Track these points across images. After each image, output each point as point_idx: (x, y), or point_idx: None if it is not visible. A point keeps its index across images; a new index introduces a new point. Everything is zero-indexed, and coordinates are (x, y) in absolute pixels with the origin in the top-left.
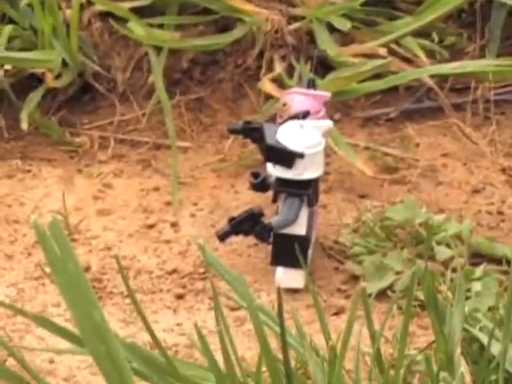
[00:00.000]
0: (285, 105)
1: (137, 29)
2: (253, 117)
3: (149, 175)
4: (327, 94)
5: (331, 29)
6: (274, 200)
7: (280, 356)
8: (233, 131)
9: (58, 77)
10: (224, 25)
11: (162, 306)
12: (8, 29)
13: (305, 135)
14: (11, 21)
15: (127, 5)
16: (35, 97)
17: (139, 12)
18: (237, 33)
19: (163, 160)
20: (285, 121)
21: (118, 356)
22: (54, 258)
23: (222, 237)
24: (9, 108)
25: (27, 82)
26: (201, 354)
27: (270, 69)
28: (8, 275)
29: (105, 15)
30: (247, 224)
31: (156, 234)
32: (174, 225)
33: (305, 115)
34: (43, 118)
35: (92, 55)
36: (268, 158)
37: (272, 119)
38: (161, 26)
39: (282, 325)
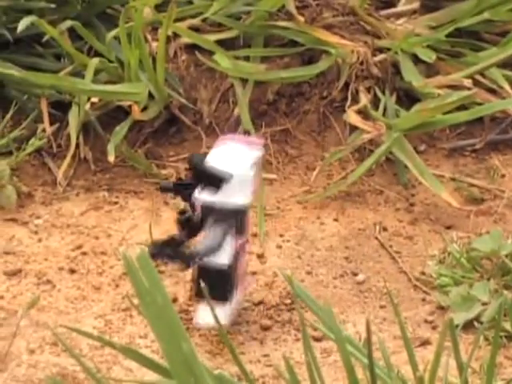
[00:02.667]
0: None
1: (223, 61)
2: (338, 148)
3: None
4: (258, 141)
5: (416, 60)
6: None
7: None
8: (164, 189)
9: (144, 109)
10: (309, 57)
11: (249, 338)
12: (95, 62)
13: (234, 159)
14: (98, 54)
15: (213, 37)
16: (122, 129)
17: (225, 44)
18: (322, 65)
19: None
20: None
21: None
22: (143, 290)
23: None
24: (95, 140)
25: (114, 114)
26: None
27: (356, 100)
28: (96, 307)
29: (191, 47)
30: (168, 249)
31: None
32: (260, 256)
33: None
34: (130, 151)
35: (178, 87)
36: (197, 180)
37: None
38: (246, 58)
39: (370, 356)
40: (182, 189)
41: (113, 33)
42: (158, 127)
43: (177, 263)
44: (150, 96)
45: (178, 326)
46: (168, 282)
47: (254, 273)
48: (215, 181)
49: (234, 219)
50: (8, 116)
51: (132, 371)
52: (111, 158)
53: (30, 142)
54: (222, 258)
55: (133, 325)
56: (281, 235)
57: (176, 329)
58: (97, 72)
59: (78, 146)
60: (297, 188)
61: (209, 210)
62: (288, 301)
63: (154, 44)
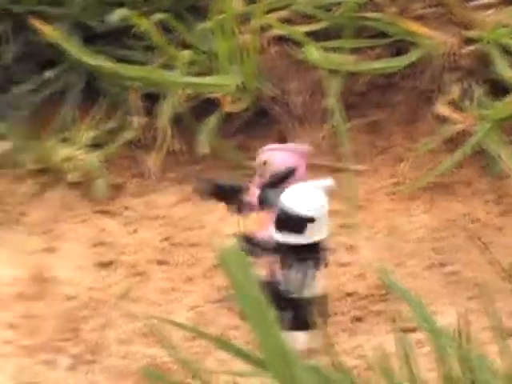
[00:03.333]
0: (265, 163)
1: (313, 53)
2: (428, 139)
3: None
4: (306, 148)
5: (506, 51)
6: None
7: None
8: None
9: (234, 101)
10: (399, 48)
11: (341, 329)
12: (186, 54)
13: (311, 198)
14: (188, 46)
15: (303, 29)
16: (212, 121)
17: (315, 36)
18: (412, 56)
19: (339, 183)
20: (270, 180)
21: (302, 379)
22: (236, 282)
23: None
24: (186, 132)
25: (204, 106)
26: (380, 377)
27: (446, 91)
28: (188, 298)
29: (281, 39)
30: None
31: (333, 257)
32: (350, 248)
33: (290, 172)
34: (220, 143)
35: (268, 79)
36: (278, 225)
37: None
38: (337, 50)
39: (462, 347)
40: (219, 193)
41: (203, 25)
42: (248, 119)
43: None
44: (241, 88)
45: (272, 317)
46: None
47: (344, 264)
48: (300, 225)
49: (315, 253)
50: (99, 108)
51: (225, 362)
52: (202, 150)
53: (122, 134)
54: (309, 292)
55: (225, 316)
56: (371, 227)
57: (270, 320)
58: (188, 64)
59: (168, 138)
60: (386, 179)
61: (288, 249)
62: (379, 292)
63: (245, 36)
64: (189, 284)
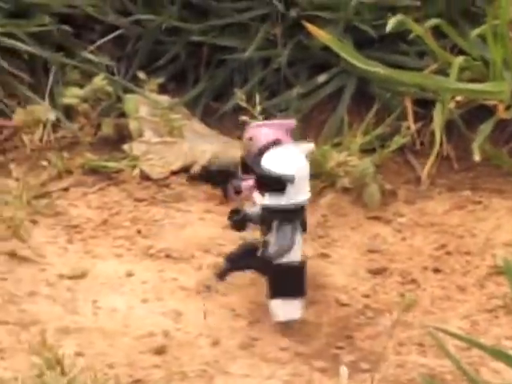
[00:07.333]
0: (251, 139)
1: None
2: None
3: None
4: (291, 122)
5: None
6: (264, 233)
7: None
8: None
9: (508, 108)
10: None
11: None
12: (459, 60)
13: (291, 159)
14: (461, 52)
15: None
16: (486, 128)
17: None
18: None
19: None
20: (256, 154)
21: None
22: None
23: (221, 275)
24: (459, 139)
25: (476, 112)
26: None
27: None
28: (461, 307)
29: None
30: (244, 260)
31: None
32: None
33: (275, 143)
34: (494, 149)
35: None
36: (259, 187)
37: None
38: None
39: None
40: (210, 178)
41: (477, 30)
42: None
43: (254, 270)
44: None
45: None
46: None
47: None
48: (280, 185)
49: (300, 216)
50: (371, 113)
51: (499, 373)
52: (477, 157)
53: (394, 139)
54: (294, 256)
55: (498, 326)
56: None
57: None
58: (461, 70)
59: (441, 144)
60: None
61: (273, 213)
62: None
63: None
64: (462, 293)
